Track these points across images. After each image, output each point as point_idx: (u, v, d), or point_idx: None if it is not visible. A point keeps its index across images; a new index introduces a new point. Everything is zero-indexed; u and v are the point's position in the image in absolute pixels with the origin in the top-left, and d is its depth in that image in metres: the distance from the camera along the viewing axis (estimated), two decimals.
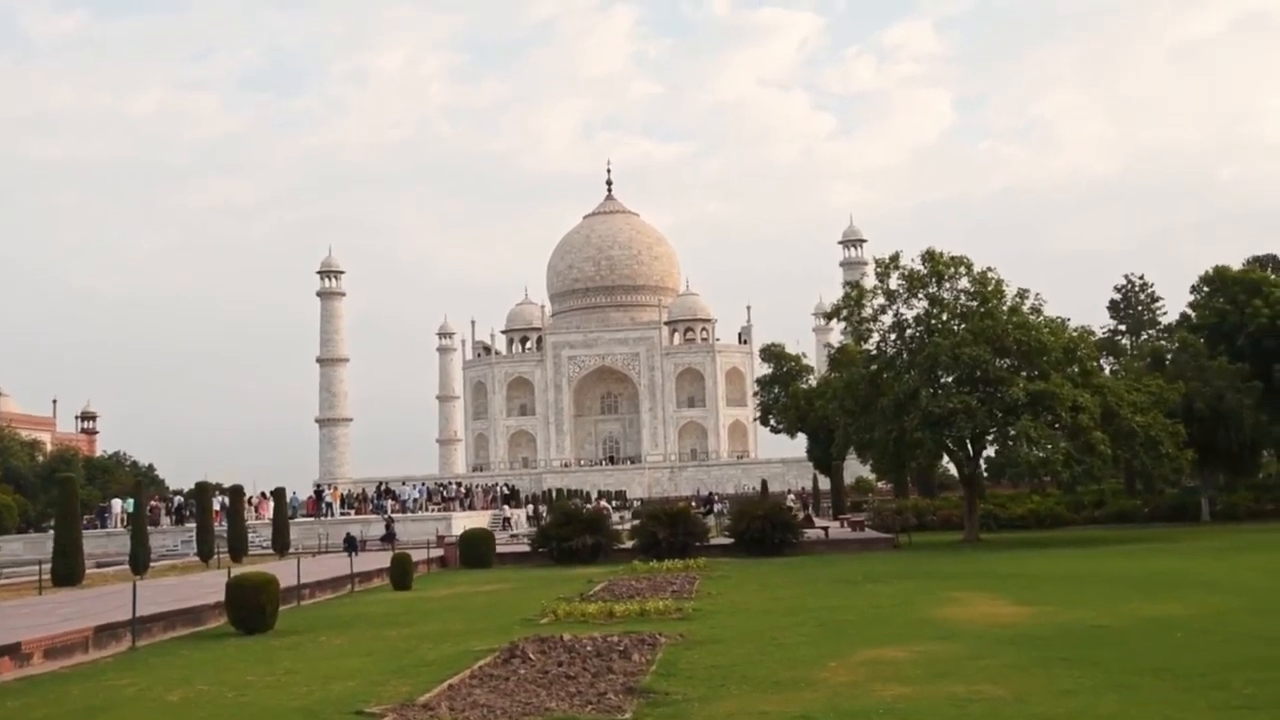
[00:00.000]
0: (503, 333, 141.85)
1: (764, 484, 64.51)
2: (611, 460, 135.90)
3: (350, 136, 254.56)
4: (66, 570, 30.33)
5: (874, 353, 40.07)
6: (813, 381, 75.63)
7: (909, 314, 39.74)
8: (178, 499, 55.50)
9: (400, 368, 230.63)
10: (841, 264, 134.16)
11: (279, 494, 44.96)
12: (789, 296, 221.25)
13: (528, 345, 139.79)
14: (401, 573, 29.62)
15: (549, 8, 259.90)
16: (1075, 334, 38.72)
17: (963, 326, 36.97)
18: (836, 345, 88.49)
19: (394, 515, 49.88)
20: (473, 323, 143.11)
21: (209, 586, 27.71)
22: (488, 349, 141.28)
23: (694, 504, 56.08)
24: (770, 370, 76.31)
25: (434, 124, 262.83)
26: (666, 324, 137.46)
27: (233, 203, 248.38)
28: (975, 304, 38.60)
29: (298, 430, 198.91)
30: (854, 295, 40.24)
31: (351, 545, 39.70)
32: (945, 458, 44.36)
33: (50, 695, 14.83)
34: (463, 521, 53.99)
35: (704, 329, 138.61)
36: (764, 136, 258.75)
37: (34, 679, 16.43)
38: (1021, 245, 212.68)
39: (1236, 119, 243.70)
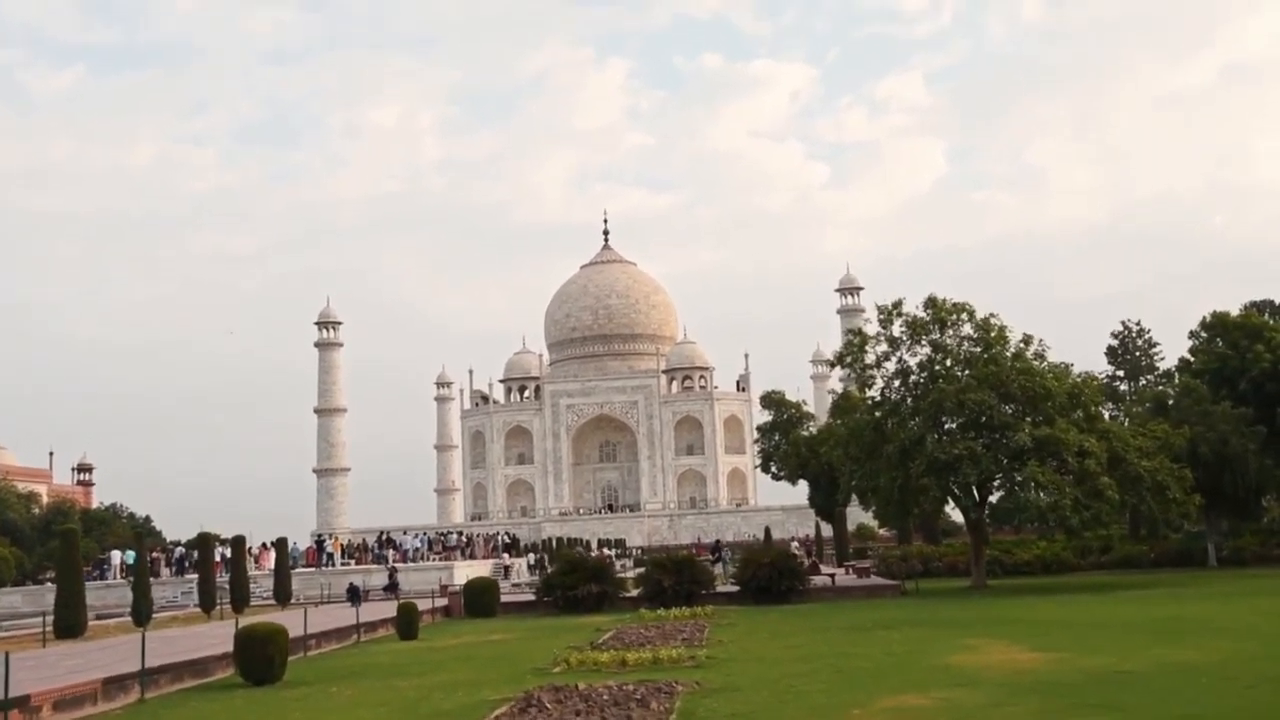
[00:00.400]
0: (501, 382, 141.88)
1: (767, 531, 64.29)
2: (610, 508, 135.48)
3: (345, 189, 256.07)
4: (69, 622, 30.07)
5: (878, 399, 40.02)
6: (814, 429, 75.59)
7: (912, 361, 39.76)
8: (178, 550, 55.16)
9: (396, 417, 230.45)
10: (839, 311, 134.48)
11: (281, 544, 44.69)
12: (785, 344, 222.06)
13: (526, 394, 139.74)
14: (407, 623, 29.37)
15: (542, 61, 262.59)
16: (1079, 379, 38.74)
17: (967, 373, 36.96)
18: (837, 392, 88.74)
19: (396, 565, 49.54)
20: (470, 372, 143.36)
21: (213, 638, 27.52)
22: (485, 398, 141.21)
23: (698, 551, 55.73)
24: (770, 417, 76.29)
25: (428, 176, 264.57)
26: (664, 372, 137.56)
27: (228, 254, 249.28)
28: (979, 350, 38.63)
29: (294, 480, 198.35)
30: (856, 342, 40.27)
31: (355, 595, 39.41)
32: (950, 504, 44.29)
33: None
34: (465, 571, 53.67)
35: (702, 377, 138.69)
36: (757, 186, 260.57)
37: None
38: (1016, 293, 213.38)
39: (1226, 166, 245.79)
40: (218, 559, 51.82)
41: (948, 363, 38.98)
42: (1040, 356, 38.45)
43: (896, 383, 40.06)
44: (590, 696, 16.74)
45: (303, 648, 25.93)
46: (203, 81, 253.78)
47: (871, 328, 40.44)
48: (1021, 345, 38.48)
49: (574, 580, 36.80)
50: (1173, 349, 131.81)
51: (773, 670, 19.03)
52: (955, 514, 62.56)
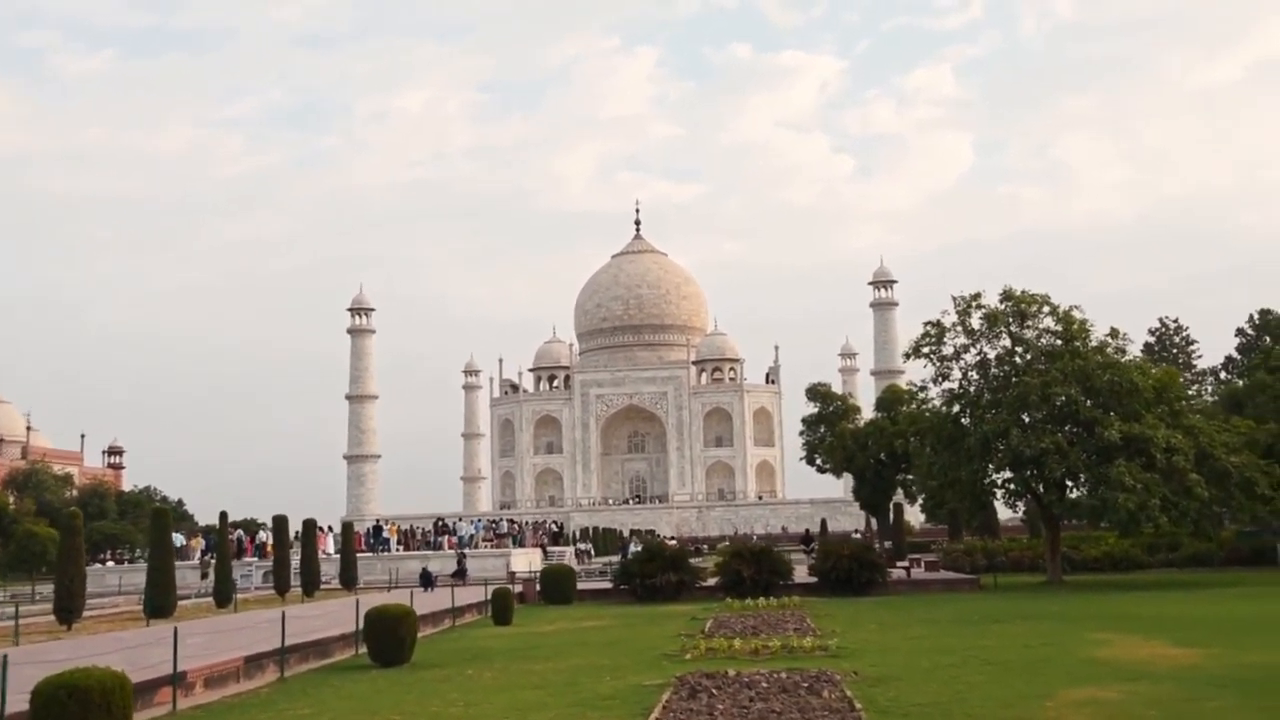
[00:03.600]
0: (530, 371, 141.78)
1: (823, 523, 63.95)
2: (638, 499, 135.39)
3: (375, 176, 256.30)
4: (161, 603, 29.98)
5: (957, 391, 39.72)
6: (860, 421, 75.25)
7: (991, 353, 39.48)
8: (237, 534, 55.17)
9: (423, 405, 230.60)
10: (872, 305, 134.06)
11: (347, 529, 44.60)
12: (813, 337, 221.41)
13: (555, 384, 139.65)
14: (502, 608, 29.26)
15: (570, 49, 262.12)
16: (1164, 374, 38.42)
17: (1054, 366, 36.63)
18: (878, 387, 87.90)
19: (464, 551, 49.42)
20: (500, 361, 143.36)
21: (306, 619, 27.33)
22: (515, 387, 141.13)
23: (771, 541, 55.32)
24: (816, 409, 76.01)
25: (456, 164, 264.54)
26: (694, 363, 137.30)
27: (258, 240, 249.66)
28: (1059, 343, 38.32)
29: (322, 467, 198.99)
30: (934, 334, 39.97)
31: (427, 580, 39.30)
32: (1000, 500, 43.83)
33: None
34: (520, 558, 53.62)
35: (732, 369, 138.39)
36: (783, 178, 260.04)
37: (209, 708, 16.10)
38: (1042, 288, 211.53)
39: (1257, 164, 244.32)
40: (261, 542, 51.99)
41: (1028, 356, 38.68)
42: (1122, 350, 38.13)
43: (974, 375, 39.76)
44: (751, 683, 16.53)
45: None
46: (234, 66, 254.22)
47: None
48: (1108, 339, 38.12)
49: (652, 569, 36.67)
50: (1209, 346, 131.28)
51: (920, 661, 18.81)
52: (1002, 511, 62.19)
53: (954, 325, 39.95)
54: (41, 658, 19.19)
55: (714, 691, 15.97)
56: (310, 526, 41.79)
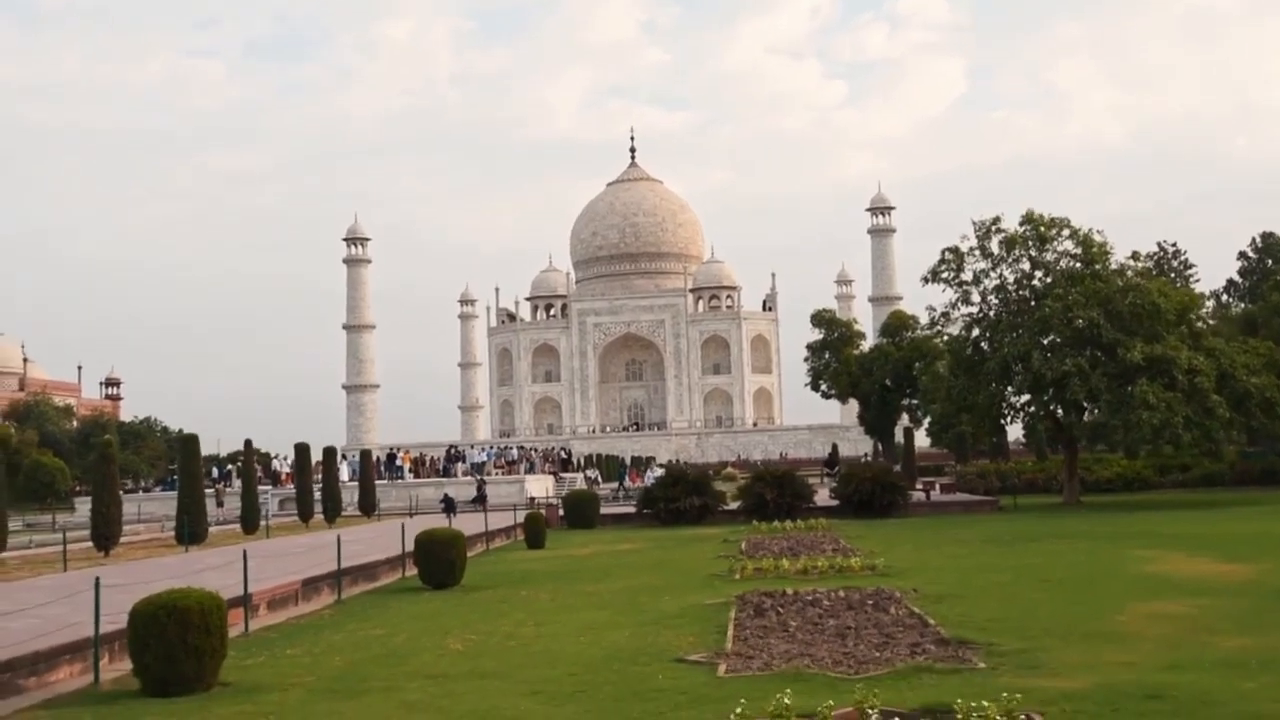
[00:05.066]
0: (527, 299, 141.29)
1: (834, 448, 64.39)
2: (636, 426, 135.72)
3: (360, 106, 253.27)
4: (195, 529, 30.10)
5: (977, 315, 39.74)
6: (864, 347, 75.47)
7: (1010, 277, 39.47)
8: (275, 463, 55.59)
9: (418, 336, 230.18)
10: (870, 231, 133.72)
11: (365, 456, 44.76)
12: (806, 264, 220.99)
13: (552, 312, 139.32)
14: (535, 532, 29.48)
15: None
16: (1184, 296, 38.48)
17: (1075, 289, 36.62)
18: (876, 314, 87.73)
19: (484, 478, 49.65)
20: (496, 290, 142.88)
21: (333, 544, 27.40)
22: (512, 316, 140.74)
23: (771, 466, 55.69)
24: (821, 336, 76.19)
25: (443, 92, 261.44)
26: (691, 291, 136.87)
27: (244, 171, 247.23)
28: (1079, 266, 38.30)
29: (319, 396, 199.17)
30: (953, 259, 39.88)
31: (450, 506, 39.51)
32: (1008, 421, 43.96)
33: (327, 645, 14.57)
34: (533, 485, 53.93)
35: (729, 296, 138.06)
36: (775, 105, 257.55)
37: (279, 629, 16.22)
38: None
39: (1250, 88, 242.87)
40: (284, 471, 52.17)
41: (1048, 279, 38.67)
42: (1145, 273, 38.13)
43: (993, 299, 39.77)
44: (814, 601, 16.67)
45: None
46: None
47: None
48: (1130, 260, 38.13)
49: (676, 493, 36.95)
50: (1206, 269, 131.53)
51: (972, 579, 18.99)
52: (1010, 433, 62.45)
53: (972, 250, 39.86)
54: (107, 581, 19.31)
55: (780, 609, 16.12)
56: (330, 454, 41.93)
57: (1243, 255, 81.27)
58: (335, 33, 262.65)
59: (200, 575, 19.53)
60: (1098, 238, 38.70)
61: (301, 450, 39.83)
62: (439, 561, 20.59)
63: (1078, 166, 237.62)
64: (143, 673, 11.60)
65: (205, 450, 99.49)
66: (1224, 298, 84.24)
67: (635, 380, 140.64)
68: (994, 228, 39.43)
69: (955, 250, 39.78)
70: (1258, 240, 79.69)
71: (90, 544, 28.42)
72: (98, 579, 12.76)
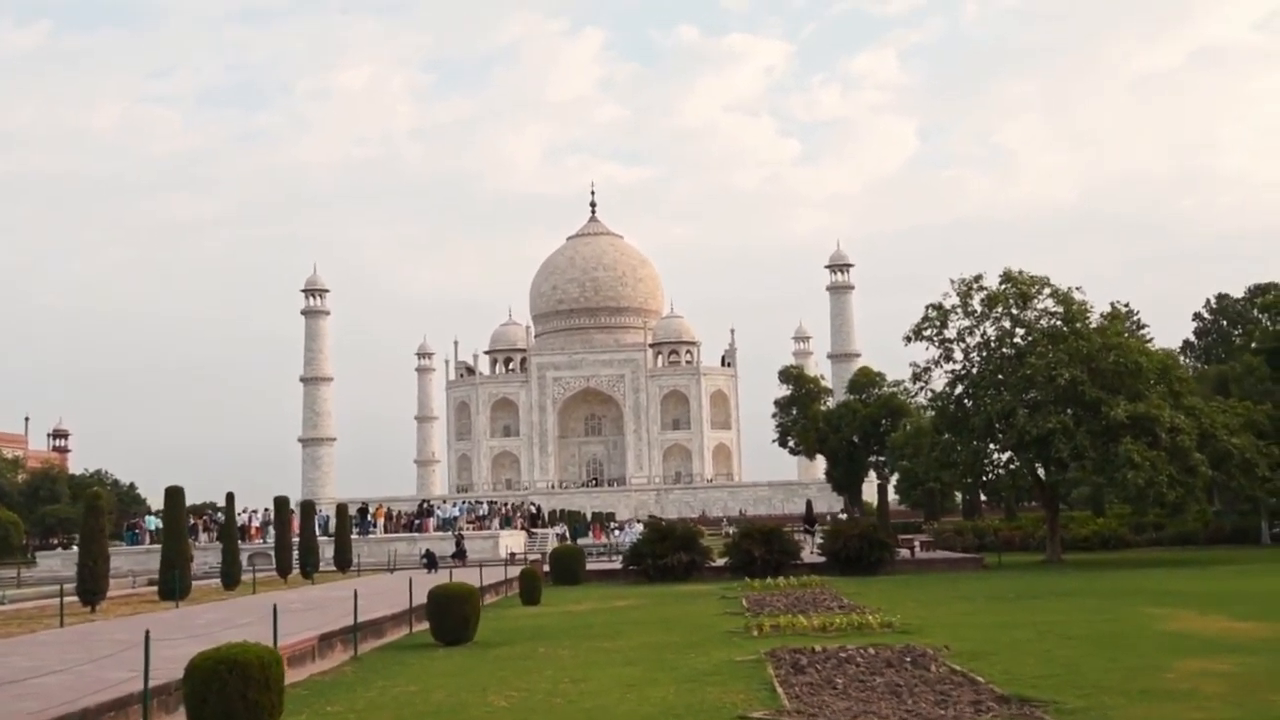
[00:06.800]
0: (486, 353, 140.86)
1: (809, 504, 64.32)
2: (595, 482, 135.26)
3: (317, 155, 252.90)
4: (177, 584, 29.40)
5: (960, 372, 40.05)
6: (831, 404, 75.78)
7: (993, 333, 39.88)
8: (221, 516, 54.44)
9: (373, 388, 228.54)
10: (828, 288, 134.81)
11: (342, 511, 44.03)
12: (763, 318, 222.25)
13: (511, 366, 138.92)
14: (531, 588, 29.09)
15: (515, 29, 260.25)
16: (1164, 356, 39.04)
17: (1059, 347, 37.04)
18: (835, 370, 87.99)
19: (463, 532, 49.05)
20: (455, 343, 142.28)
21: (335, 599, 26.88)
22: (470, 370, 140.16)
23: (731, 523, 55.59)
24: (789, 392, 76.42)
25: (401, 144, 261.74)
26: (651, 346, 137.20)
27: (198, 219, 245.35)
28: (1060, 324, 38.78)
29: (273, 449, 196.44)
30: (936, 317, 40.24)
31: (432, 562, 38.98)
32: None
33: (367, 703, 14.23)
34: (506, 541, 53.38)
35: (689, 351, 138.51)
36: (730, 162, 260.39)
37: (307, 685, 15.80)
38: (985, 272, 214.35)
39: (1196, 151, 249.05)
40: (257, 525, 51.29)
41: (1029, 337, 39.10)
42: (1126, 332, 38.66)
43: (975, 356, 40.11)
44: (848, 658, 16.50)
45: None
46: (168, 42, 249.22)
47: (949, 300, 40.34)
48: (1106, 321, 38.64)
49: (663, 549, 36.66)
50: (1156, 330, 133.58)
51: (997, 636, 18.92)
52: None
53: (954, 307, 40.25)
54: (113, 635, 18.78)
55: (818, 666, 15.95)
56: (309, 508, 41.22)
57: (1198, 316, 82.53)
58: (292, 81, 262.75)
59: (211, 630, 19.11)
60: (1078, 296, 39.25)
61: (281, 504, 39.15)
62: (453, 617, 20.23)
63: (1028, 226, 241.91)
64: None
65: (156, 504, 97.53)
66: (1182, 359, 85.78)
67: (594, 435, 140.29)
68: (976, 285, 39.86)
69: (939, 307, 40.14)
70: (1212, 301, 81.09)
71: (71, 599, 27.65)
72: (147, 631, 12.40)
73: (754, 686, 14.44)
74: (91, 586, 26.47)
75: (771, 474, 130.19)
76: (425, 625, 21.80)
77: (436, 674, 16.73)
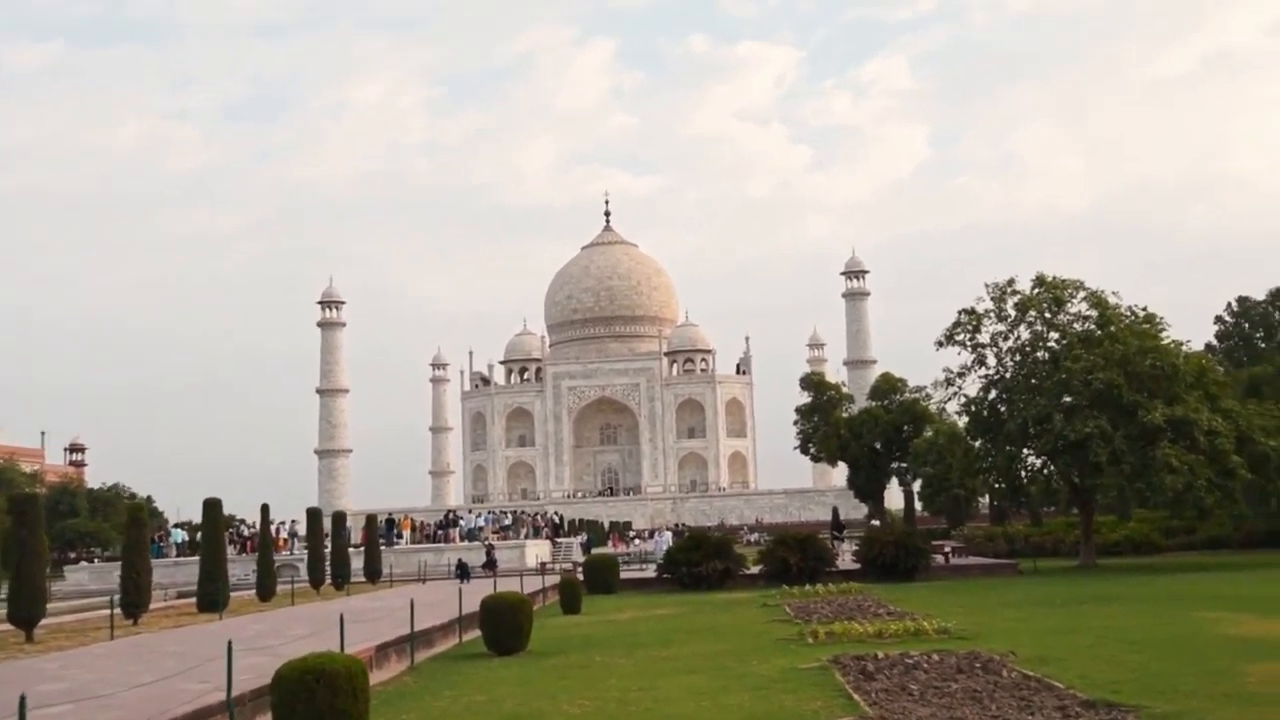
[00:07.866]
0: (501, 363, 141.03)
1: (835, 511, 64.10)
2: (611, 491, 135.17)
3: (333, 169, 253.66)
4: (216, 597, 29.37)
5: (994, 377, 39.87)
6: (854, 410, 75.59)
7: (1026, 337, 39.73)
8: (244, 528, 54.59)
9: (387, 400, 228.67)
10: (844, 295, 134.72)
11: (371, 522, 44.02)
12: (777, 325, 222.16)
13: (526, 376, 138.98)
14: (572, 596, 28.99)
15: (526, 42, 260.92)
16: (1199, 358, 38.84)
17: (1096, 351, 36.84)
18: (851, 377, 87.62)
19: (492, 543, 49.00)
20: (470, 353, 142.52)
21: (374, 609, 26.80)
22: (485, 380, 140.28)
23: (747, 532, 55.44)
24: (810, 399, 76.27)
25: (414, 156, 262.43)
26: (666, 355, 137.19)
27: (216, 234, 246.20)
28: (1094, 328, 38.60)
29: (289, 461, 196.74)
30: (970, 321, 40.09)
31: (465, 572, 38.87)
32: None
33: (440, 712, 14.15)
34: (534, 550, 53.31)
35: (704, 360, 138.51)
36: (741, 169, 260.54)
37: (376, 694, 15.67)
38: (996, 278, 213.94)
39: (1208, 156, 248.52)
40: (284, 537, 51.26)
41: (1063, 341, 38.91)
42: (1160, 335, 38.46)
43: (1008, 361, 39.94)
44: (915, 664, 16.37)
45: None
46: (184, 58, 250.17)
47: (982, 305, 40.20)
48: (1145, 324, 38.45)
49: (698, 557, 36.52)
50: (1174, 335, 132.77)
51: (1058, 641, 18.74)
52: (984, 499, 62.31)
53: (987, 312, 40.11)
54: (165, 647, 18.71)
55: (886, 672, 15.81)
56: (340, 519, 41.12)
57: (1219, 319, 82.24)
58: (306, 97, 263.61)
59: (264, 641, 19.03)
60: (1111, 299, 39.07)
61: (314, 515, 39.13)
62: (508, 626, 20.12)
63: (1040, 231, 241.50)
64: None
65: (174, 518, 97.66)
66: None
67: (610, 444, 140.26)
68: (1009, 289, 39.73)
69: (972, 312, 39.99)
70: (1233, 304, 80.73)
71: (107, 611, 27.60)
72: (230, 642, 12.30)
73: (828, 693, 14.31)
74: (135, 599, 26.41)
75: (787, 482, 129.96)
76: (473, 635, 21.76)
77: (500, 683, 16.63)
